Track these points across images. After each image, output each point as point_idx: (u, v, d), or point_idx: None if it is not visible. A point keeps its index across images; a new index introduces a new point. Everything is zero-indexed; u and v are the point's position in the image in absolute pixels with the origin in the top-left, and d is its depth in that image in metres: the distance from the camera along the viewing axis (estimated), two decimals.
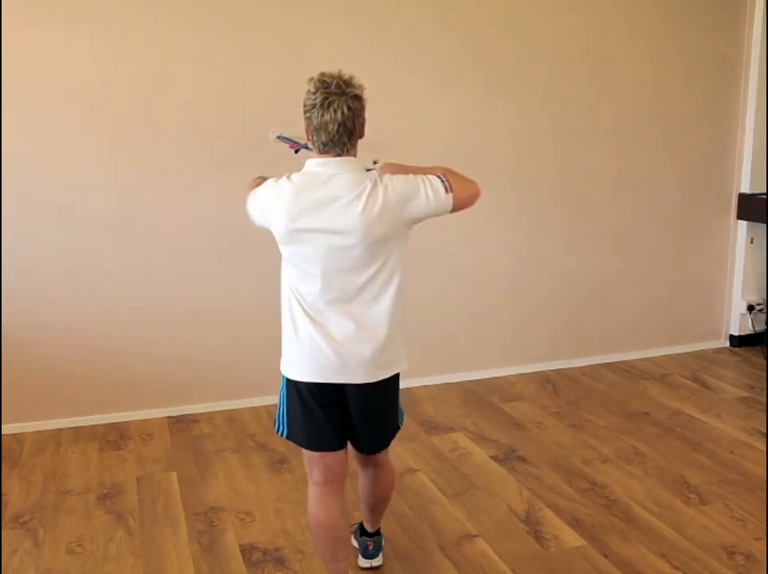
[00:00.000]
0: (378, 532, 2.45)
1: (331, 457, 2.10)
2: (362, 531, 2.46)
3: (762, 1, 4.26)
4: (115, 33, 3.31)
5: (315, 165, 1.96)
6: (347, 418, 2.09)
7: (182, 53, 3.42)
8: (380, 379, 2.04)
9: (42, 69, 3.26)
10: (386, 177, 1.96)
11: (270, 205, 1.97)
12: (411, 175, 1.98)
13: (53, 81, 3.28)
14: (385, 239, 1.94)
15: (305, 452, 2.13)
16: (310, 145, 2.02)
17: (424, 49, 3.76)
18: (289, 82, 3.52)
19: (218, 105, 3.50)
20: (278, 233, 1.97)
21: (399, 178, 1.96)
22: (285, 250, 2.01)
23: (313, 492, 2.13)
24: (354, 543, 2.48)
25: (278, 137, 3.37)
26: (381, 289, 1.99)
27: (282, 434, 2.14)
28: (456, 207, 1.99)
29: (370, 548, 2.42)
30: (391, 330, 2.02)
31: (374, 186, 1.91)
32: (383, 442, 2.21)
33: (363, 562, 2.42)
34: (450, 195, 1.95)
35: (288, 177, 1.98)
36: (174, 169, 3.50)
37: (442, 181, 1.96)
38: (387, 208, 1.91)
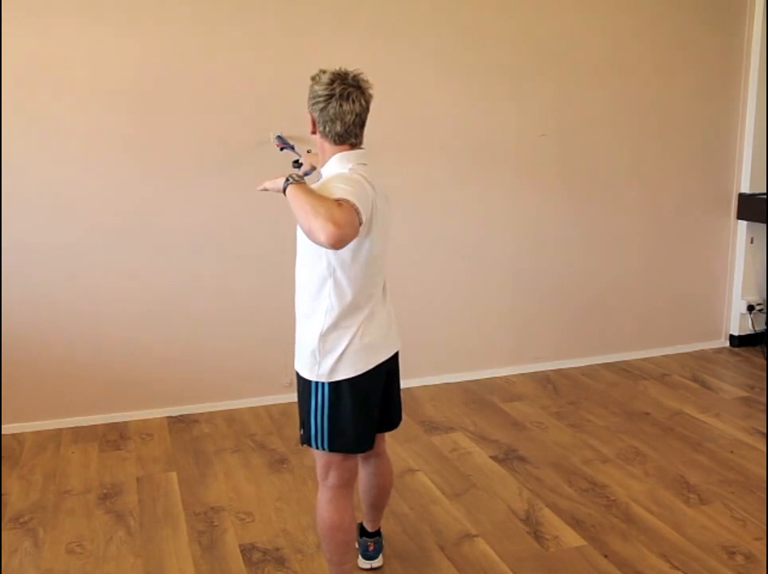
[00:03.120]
0: (378, 533, 2.45)
1: (353, 459, 2.11)
2: (362, 531, 2.46)
3: (762, 1, 4.26)
4: (117, 33, 3.31)
5: (361, 157, 1.99)
6: (383, 399, 2.15)
7: (182, 54, 3.42)
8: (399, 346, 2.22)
9: (43, 70, 3.25)
10: None
11: (372, 199, 1.92)
12: None
13: (54, 82, 3.28)
14: None
15: (324, 455, 2.07)
16: (297, 149, 2.06)
17: (424, 49, 3.76)
18: (290, 83, 3.53)
19: (219, 105, 3.50)
20: (371, 227, 1.92)
21: None
22: (366, 246, 1.95)
23: (327, 495, 2.11)
24: (355, 543, 2.48)
25: (277, 137, 3.44)
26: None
27: (322, 448, 2.05)
28: None
29: (371, 549, 2.42)
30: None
31: None
32: (401, 412, 2.32)
33: (363, 563, 2.42)
34: None
35: (352, 173, 1.94)
36: (174, 170, 3.50)
37: None
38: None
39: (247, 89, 3.53)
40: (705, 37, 4.29)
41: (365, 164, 2.00)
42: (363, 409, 2.05)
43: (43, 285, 3.42)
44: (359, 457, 2.29)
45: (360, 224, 1.78)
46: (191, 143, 3.49)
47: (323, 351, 1.99)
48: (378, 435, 2.26)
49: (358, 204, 1.78)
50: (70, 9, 3.24)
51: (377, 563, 2.42)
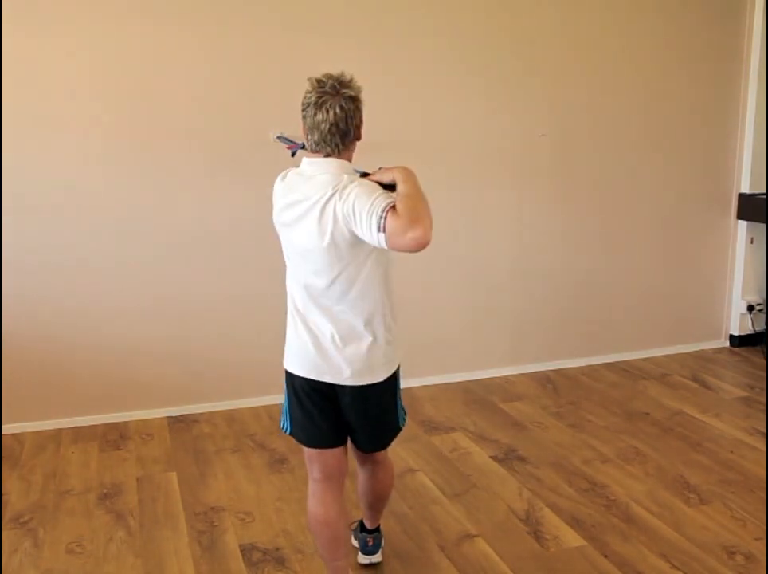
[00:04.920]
0: (377, 530, 2.45)
1: (330, 454, 2.11)
2: (361, 528, 2.47)
3: (762, 1, 4.26)
4: (116, 34, 3.31)
5: (305, 164, 2.00)
6: (343, 416, 2.09)
7: (182, 54, 3.42)
8: (367, 383, 2.02)
9: (42, 69, 3.25)
10: (352, 186, 1.86)
11: (274, 197, 2.06)
12: (371, 196, 1.81)
13: (54, 82, 3.28)
14: (343, 245, 1.88)
15: (305, 449, 2.14)
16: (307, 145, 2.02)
17: (424, 49, 3.75)
18: (290, 82, 3.53)
19: (219, 105, 3.50)
20: (281, 227, 2.05)
21: (358, 194, 1.83)
22: (284, 248, 2.08)
23: (312, 489, 2.14)
24: (354, 541, 2.49)
25: (278, 137, 3.39)
26: (345, 293, 1.95)
27: (286, 431, 2.16)
28: (393, 248, 1.79)
29: (370, 544, 2.42)
30: (372, 336, 1.99)
31: (335, 192, 1.86)
32: (382, 443, 2.21)
33: (363, 558, 2.43)
34: (382, 235, 1.76)
35: (287, 172, 2.06)
36: (175, 169, 3.50)
37: (380, 217, 1.75)
38: (334, 218, 1.85)
39: (248, 89, 3.53)
40: (705, 36, 4.28)
41: (300, 173, 1.99)
42: (304, 411, 2.09)
43: (43, 285, 3.42)
44: (356, 459, 2.29)
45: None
46: (190, 143, 3.49)
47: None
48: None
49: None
50: (70, 9, 3.24)
51: (376, 558, 2.43)
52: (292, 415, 2.13)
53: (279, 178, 2.06)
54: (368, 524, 2.44)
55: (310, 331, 2.01)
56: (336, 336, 1.98)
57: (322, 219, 1.87)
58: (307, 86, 1.94)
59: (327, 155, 1.95)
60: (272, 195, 2.07)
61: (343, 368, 2.00)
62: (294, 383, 2.08)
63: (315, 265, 1.94)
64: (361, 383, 2.02)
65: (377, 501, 2.37)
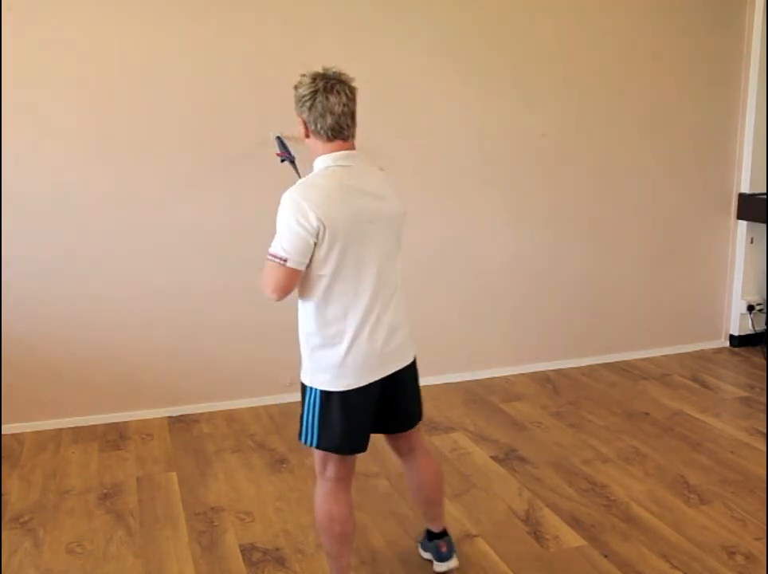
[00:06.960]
0: (445, 532, 2.38)
1: (352, 457, 2.12)
2: (430, 535, 2.39)
3: (762, 1, 4.26)
4: (117, 34, 3.31)
5: (341, 159, 1.98)
6: (385, 405, 2.13)
7: (182, 53, 3.42)
8: (413, 355, 2.19)
9: (42, 70, 3.25)
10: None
11: (318, 216, 1.87)
12: None
13: (54, 82, 3.28)
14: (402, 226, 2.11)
15: (320, 451, 2.09)
16: (293, 156, 2.08)
17: (424, 49, 3.75)
18: (290, 83, 3.53)
19: (219, 107, 3.50)
20: (333, 239, 1.90)
21: None
22: (335, 259, 1.94)
23: (324, 488, 2.13)
24: (425, 553, 2.42)
25: (277, 137, 3.39)
26: (394, 274, 2.09)
27: (311, 445, 2.09)
28: None
29: (444, 550, 2.35)
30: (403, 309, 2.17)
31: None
32: (420, 410, 2.28)
33: (440, 566, 2.35)
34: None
35: (312, 181, 1.95)
36: (174, 172, 3.50)
37: None
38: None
39: (248, 91, 3.53)
40: (705, 36, 4.28)
41: (347, 166, 1.97)
42: (351, 419, 2.05)
43: (43, 285, 3.42)
44: (399, 456, 2.30)
45: (293, 271, 1.89)
46: (191, 144, 3.49)
47: (312, 359, 2.04)
48: (404, 434, 2.25)
49: (287, 247, 1.88)
50: (71, 9, 3.24)
51: (453, 563, 2.35)
52: (325, 429, 2.04)
53: (311, 190, 1.90)
54: (434, 528, 2.37)
55: (376, 330, 2.01)
56: (395, 321, 2.07)
57: (397, 200, 2.07)
58: (301, 80, 1.99)
59: (345, 140, 1.98)
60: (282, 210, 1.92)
61: (405, 349, 2.13)
62: (345, 396, 2.02)
63: (392, 248, 2.04)
64: (413, 357, 2.18)
65: (434, 494, 2.32)
